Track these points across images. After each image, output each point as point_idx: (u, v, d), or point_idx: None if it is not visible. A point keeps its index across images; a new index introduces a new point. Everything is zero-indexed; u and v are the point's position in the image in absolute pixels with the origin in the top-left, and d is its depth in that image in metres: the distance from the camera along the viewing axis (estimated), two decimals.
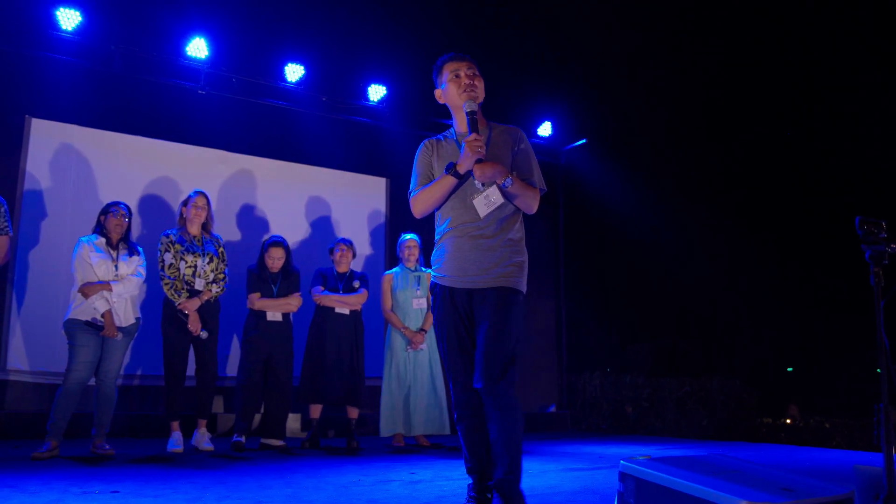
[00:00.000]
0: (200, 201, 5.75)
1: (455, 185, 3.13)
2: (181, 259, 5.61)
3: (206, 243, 5.75)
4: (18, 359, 6.38)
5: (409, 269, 6.52)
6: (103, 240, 5.26)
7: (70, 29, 6.79)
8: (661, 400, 9.54)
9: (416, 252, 6.53)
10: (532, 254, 10.35)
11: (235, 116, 7.69)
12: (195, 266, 5.64)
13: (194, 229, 5.73)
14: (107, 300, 5.12)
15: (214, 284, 5.71)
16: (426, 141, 3.35)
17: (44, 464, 4.60)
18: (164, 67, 7.40)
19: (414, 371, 6.30)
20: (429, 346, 6.41)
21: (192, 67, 7.46)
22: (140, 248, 5.47)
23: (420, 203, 3.21)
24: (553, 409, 9.26)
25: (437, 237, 3.27)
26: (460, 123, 3.27)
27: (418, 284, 6.45)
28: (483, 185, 3.12)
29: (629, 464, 2.60)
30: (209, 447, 5.61)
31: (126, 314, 5.24)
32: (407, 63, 8.42)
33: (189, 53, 7.33)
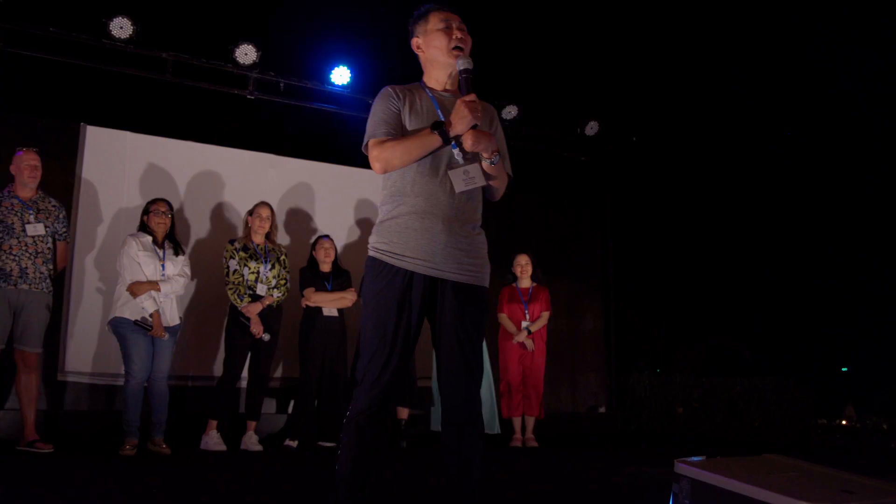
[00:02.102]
0: (265, 212, 5.88)
1: (436, 149, 2.65)
2: (245, 265, 5.73)
3: (269, 252, 5.87)
4: (76, 361, 6.53)
5: None
6: (149, 238, 5.36)
7: (123, 38, 6.94)
8: (711, 400, 9.42)
9: None
10: (579, 253, 10.19)
11: (284, 121, 7.79)
12: (258, 272, 5.76)
13: (258, 238, 5.87)
14: (154, 300, 5.22)
15: (276, 290, 5.83)
16: (390, 87, 2.79)
17: (101, 461, 4.70)
18: (213, 74, 7.53)
19: None
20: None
21: (241, 73, 7.57)
22: (183, 248, 5.58)
23: (394, 157, 2.63)
24: (602, 409, 9.19)
25: (389, 207, 2.70)
26: (435, 80, 2.83)
27: None
28: (464, 157, 2.68)
29: (685, 464, 2.57)
30: (258, 448, 5.68)
31: (171, 314, 5.35)
32: None
33: (238, 59, 7.44)
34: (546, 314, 6.67)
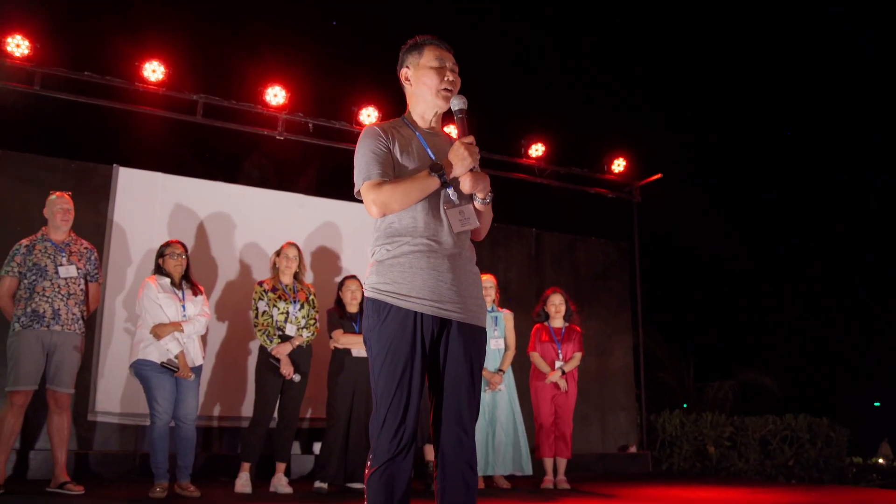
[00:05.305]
0: (292, 252, 5.89)
1: (434, 191, 2.64)
2: (274, 306, 5.73)
3: (297, 292, 5.87)
4: (106, 401, 6.54)
5: None
6: (167, 280, 5.38)
7: (155, 82, 7.06)
8: (744, 439, 9.27)
9: (492, 293, 6.49)
10: (607, 290, 10.10)
11: (312, 161, 7.85)
12: (287, 312, 5.76)
13: (286, 279, 5.87)
14: (178, 341, 5.21)
15: (305, 330, 5.81)
16: (375, 127, 2.75)
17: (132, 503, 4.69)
18: (243, 115, 7.63)
19: (493, 412, 6.26)
20: (507, 385, 6.38)
21: (270, 114, 7.66)
22: (200, 287, 5.58)
23: (393, 200, 2.59)
24: (633, 448, 9.06)
25: (390, 247, 2.67)
26: (420, 117, 2.81)
27: (495, 325, 6.42)
28: (459, 197, 2.67)
29: None
30: (288, 490, 5.64)
31: (195, 353, 5.34)
32: (473, 90, 8.45)
33: (267, 100, 7.54)
34: (579, 355, 6.61)
